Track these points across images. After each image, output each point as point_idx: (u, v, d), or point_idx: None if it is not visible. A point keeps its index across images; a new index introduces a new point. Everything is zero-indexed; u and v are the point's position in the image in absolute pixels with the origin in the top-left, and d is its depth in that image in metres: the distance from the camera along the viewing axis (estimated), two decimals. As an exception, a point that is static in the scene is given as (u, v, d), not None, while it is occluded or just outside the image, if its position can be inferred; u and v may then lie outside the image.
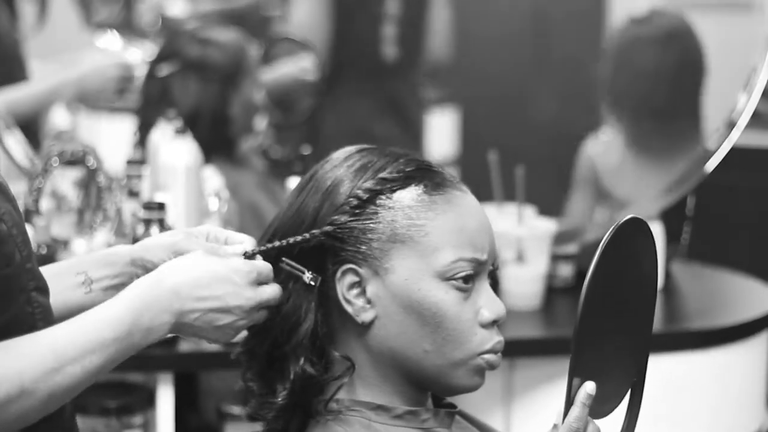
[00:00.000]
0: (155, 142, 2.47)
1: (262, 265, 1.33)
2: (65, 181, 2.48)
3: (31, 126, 2.86)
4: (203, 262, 1.30)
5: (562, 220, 2.85)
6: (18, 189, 2.24)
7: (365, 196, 1.33)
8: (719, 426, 2.40)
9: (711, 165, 2.65)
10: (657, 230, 2.52)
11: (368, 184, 1.34)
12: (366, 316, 1.33)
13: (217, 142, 2.69)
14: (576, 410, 1.31)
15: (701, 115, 2.93)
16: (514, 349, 2.29)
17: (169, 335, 1.29)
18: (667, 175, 2.80)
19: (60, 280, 1.34)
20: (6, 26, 2.80)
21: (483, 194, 2.14)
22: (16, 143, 2.74)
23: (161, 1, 4.08)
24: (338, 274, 1.33)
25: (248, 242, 1.38)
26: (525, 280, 2.46)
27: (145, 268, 1.36)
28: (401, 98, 3.65)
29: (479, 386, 1.36)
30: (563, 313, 2.52)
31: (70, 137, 2.68)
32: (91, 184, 2.49)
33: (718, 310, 2.65)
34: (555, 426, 1.33)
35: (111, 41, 3.90)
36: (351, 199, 1.33)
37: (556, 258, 2.57)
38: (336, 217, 1.33)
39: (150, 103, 2.74)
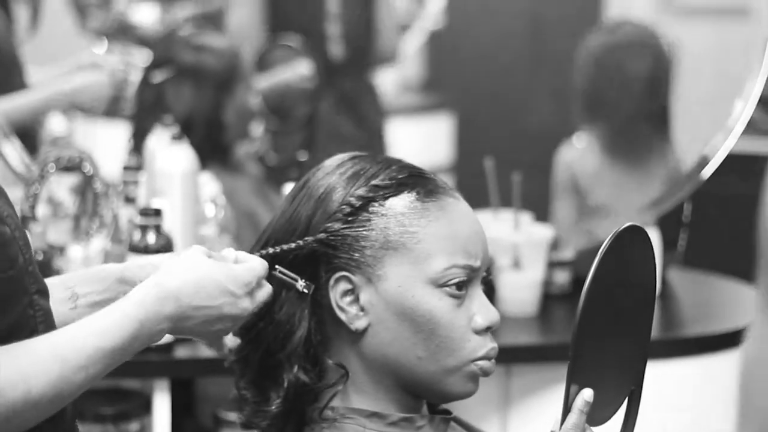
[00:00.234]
0: (151, 148, 2.47)
1: (261, 271, 1.33)
2: (62, 187, 2.47)
3: (27, 132, 2.86)
4: (203, 266, 1.30)
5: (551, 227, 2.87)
6: (14, 195, 2.23)
7: (358, 203, 1.33)
8: (715, 433, 2.40)
9: (707, 172, 2.65)
10: (654, 237, 2.52)
11: (361, 192, 1.34)
12: (359, 324, 1.33)
13: (211, 148, 2.69)
14: (573, 417, 1.31)
15: (671, 119, 3.04)
16: (511, 356, 2.29)
17: (170, 337, 1.30)
18: (645, 178, 2.90)
19: (50, 293, 1.34)
20: (3, 30, 2.80)
21: (479, 200, 2.14)
22: (13, 149, 2.74)
23: (127, 8, 4.09)
24: (331, 281, 1.33)
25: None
26: (521, 287, 2.45)
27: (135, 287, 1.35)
28: (355, 96, 3.68)
29: (473, 393, 1.36)
30: (560, 320, 2.52)
31: (66, 143, 2.68)
32: (88, 191, 2.48)
33: (714, 316, 2.64)
34: (551, 432, 1.33)
35: (105, 48, 3.90)
36: (344, 207, 1.33)
37: (552, 265, 2.57)
38: (329, 224, 1.33)
39: (144, 110, 2.74)
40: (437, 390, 1.35)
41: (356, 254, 1.32)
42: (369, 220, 1.33)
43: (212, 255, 1.34)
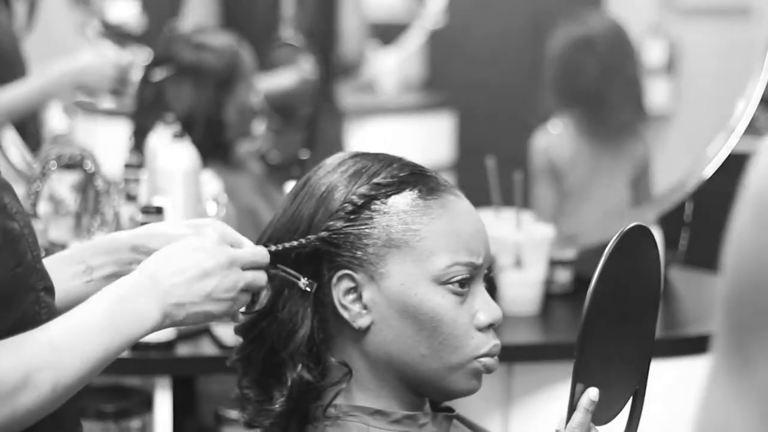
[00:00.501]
0: (153, 146, 2.47)
1: (229, 228, 1.33)
2: (63, 184, 2.47)
3: (28, 129, 2.86)
4: (178, 243, 1.29)
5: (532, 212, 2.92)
6: (16, 193, 2.23)
7: (360, 201, 1.33)
8: None
9: (709, 171, 2.65)
10: (656, 236, 2.52)
11: (363, 190, 1.34)
12: (362, 322, 1.33)
13: (212, 146, 2.69)
14: (579, 416, 1.31)
15: (642, 101, 3.24)
16: (512, 355, 2.29)
17: (172, 335, 1.29)
18: (620, 158, 3.15)
19: (62, 270, 1.33)
20: (5, 25, 2.80)
21: (481, 199, 2.14)
22: (14, 147, 2.74)
23: (104, 6, 4.09)
24: (334, 279, 1.33)
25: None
26: (523, 286, 2.45)
27: (148, 255, 1.33)
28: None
29: (476, 390, 1.36)
30: (561, 319, 2.52)
31: (67, 141, 2.67)
32: (89, 188, 2.48)
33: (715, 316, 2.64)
34: (557, 431, 1.33)
35: (105, 45, 3.90)
36: (346, 205, 1.33)
37: (554, 263, 2.57)
38: (331, 222, 1.33)
39: (145, 108, 2.74)
40: (440, 387, 1.35)
41: (359, 252, 1.32)
42: (371, 218, 1.33)
43: (227, 233, 1.33)
